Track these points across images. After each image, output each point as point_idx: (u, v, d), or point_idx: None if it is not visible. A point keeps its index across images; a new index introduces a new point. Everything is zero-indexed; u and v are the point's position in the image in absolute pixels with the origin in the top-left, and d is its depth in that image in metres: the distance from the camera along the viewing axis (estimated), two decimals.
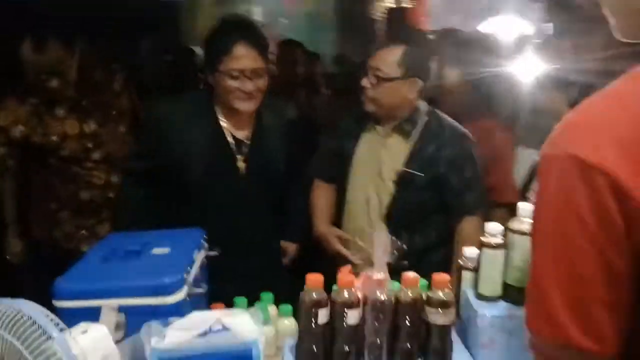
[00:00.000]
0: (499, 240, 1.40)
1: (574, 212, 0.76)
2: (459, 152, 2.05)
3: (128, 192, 2.19)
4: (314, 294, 1.35)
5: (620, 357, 0.78)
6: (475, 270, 1.48)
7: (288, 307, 1.56)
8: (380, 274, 1.35)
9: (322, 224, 2.18)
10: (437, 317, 1.36)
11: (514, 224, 1.39)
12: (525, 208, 1.38)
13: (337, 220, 2.22)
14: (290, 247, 2.29)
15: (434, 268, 1.98)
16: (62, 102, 2.44)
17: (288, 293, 1.52)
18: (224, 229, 1.93)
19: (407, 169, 2.04)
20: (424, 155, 2.04)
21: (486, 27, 8.13)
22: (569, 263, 0.78)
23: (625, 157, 0.73)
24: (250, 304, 1.54)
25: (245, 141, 2.11)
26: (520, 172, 2.34)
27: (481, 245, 1.43)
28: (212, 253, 1.70)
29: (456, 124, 2.13)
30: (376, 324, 1.35)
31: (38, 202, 2.62)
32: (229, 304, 1.53)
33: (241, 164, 2.10)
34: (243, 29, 2.04)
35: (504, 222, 2.08)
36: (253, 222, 2.14)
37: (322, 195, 2.26)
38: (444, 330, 1.37)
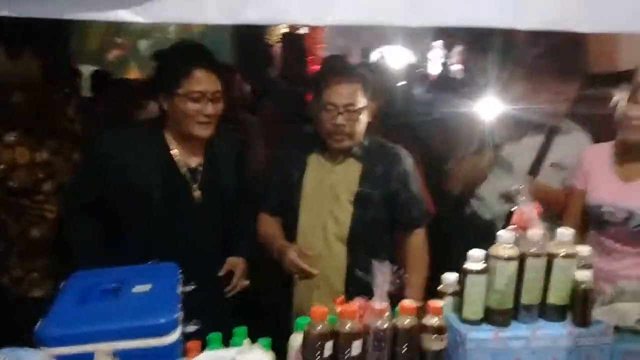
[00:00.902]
0: (481, 265, 1.50)
1: None
2: (404, 169, 2.19)
3: (78, 228, 2.05)
4: (320, 326, 1.36)
5: None
6: (458, 294, 1.57)
7: (267, 340, 1.55)
8: (381, 303, 1.39)
9: (280, 239, 2.17)
10: (432, 343, 1.43)
11: (495, 250, 1.50)
12: (505, 235, 1.50)
13: None
14: (238, 265, 2.18)
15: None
16: (13, 125, 2.22)
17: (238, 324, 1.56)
18: (182, 260, 1.87)
19: (363, 189, 2.13)
20: (376, 175, 2.15)
21: (376, 56, 8.57)
22: None
23: None
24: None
25: (198, 169, 2.08)
26: None
27: (465, 271, 1.52)
28: (189, 288, 1.65)
29: (391, 143, 2.27)
30: (377, 353, 1.39)
31: None
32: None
33: (196, 193, 2.06)
34: (200, 53, 2.04)
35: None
36: (210, 251, 2.10)
37: (272, 223, 2.25)
38: (439, 355, 1.44)
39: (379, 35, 9.01)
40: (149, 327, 1.34)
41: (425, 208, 2.25)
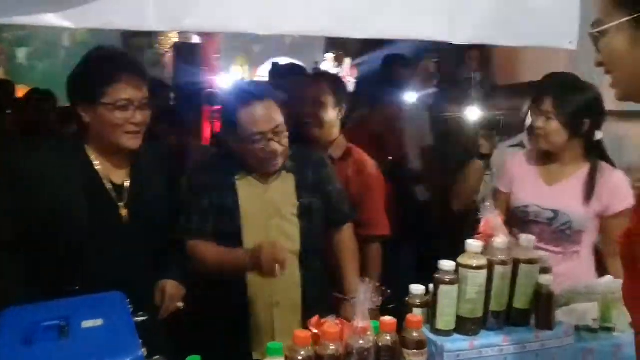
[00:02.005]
0: (452, 276, 1.50)
1: None
2: (328, 170, 2.20)
3: None
4: (303, 352, 1.28)
5: None
6: (426, 305, 1.55)
7: None
8: (362, 321, 1.34)
9: (238, 251, 2.00)
10: (413, 358, 1.39)
11: (465, 260, 1.50)
12: (474, 244, 1.50)
13: None
14: (166, 287, 1.98)
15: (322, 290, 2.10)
16: None
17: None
18: (110, 287, 1.70)
19: (304, 200, 2.07)
20: (309, 182, 2.11)
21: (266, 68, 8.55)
22: None
23: None
24: None
25: (125, 185, 1.92)
26: None
27: (436, 282, 1.50)
28: (141, 318, 1.49)
29: (305, 147, 2.26)
30: None
31: None
32: None
33: (123, 211, 1.89)
34: (123, 59, 1.88)
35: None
36: (141, 276, 1.92)
37: (214, 246, 2.05)
38: None
39: (268, 46, 9.04)
40: None
41: (351, 204, 2.27)
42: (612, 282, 1.66)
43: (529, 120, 2.44)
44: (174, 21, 1.65)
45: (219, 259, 1.99)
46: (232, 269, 1.98)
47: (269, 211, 2.05)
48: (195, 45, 7.53)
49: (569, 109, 2.14)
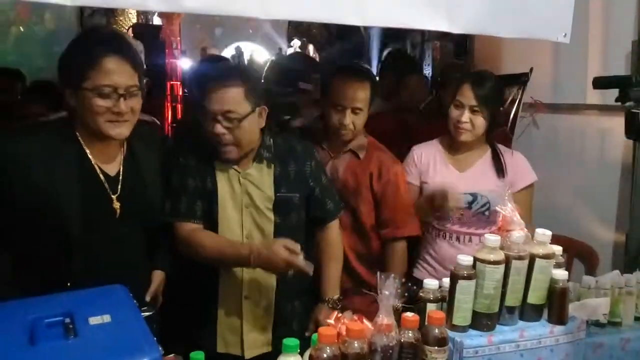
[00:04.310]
0: (470, 271, 1.46)
1: None
2: (314, 164, 2.08)
3: None
4: (328, 349, 1.22)
5: None
6: (439, 301, 1.52)
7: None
8: (387, 318, 1.29)
9: (243, 244, 1.92)
10: (435, 355, 1.36)
11: (483, 254, 1.48)
12: (492, 239, 1.48)
13: None
14: (157, 276, 1.95)
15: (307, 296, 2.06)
16: None
17: None
18: (102, 281, 1.60)
19: (281, 193, 1.98)
20: (289, 175, 2.02)
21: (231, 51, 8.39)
22: None
23: None
24: None
25: (117, 176, 1.80)
26: None
27: (454, 277, 1.47)
28: (147, 313, 1.41)
29: (293, 137, 2.18)
30: None
31: None
32: None
33: (117, 205, 1.78)
34: (112, 41, 1.73)
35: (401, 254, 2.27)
36: (132, 270, 1.82)
37: (207, 232, 1.96)
38: None
39: (231, 31, 8.86)
40: None
41: (338, 197, 2.16)
42: (619, 277, 1.67)
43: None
44: (175, 2, 1.55)
45: (219, 249, 1.90)
46: (232, 260, 1.90)
47: (244, 201, 1.96)
48: (155, 27, 7.27)
49: (491, 102, 2.27)
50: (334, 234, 2.14)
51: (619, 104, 2.80)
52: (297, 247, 1.80)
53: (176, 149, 2.03)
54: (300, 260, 1.79)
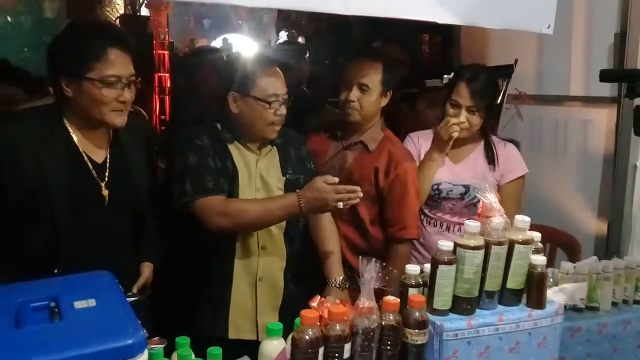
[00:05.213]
0: (451, 256, 1.49)
1: None
2: (306, 148, 2.17)
3: None
4: (310, 331, 1.25)
5: None
6: (420, 286, 1.54)
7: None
8: (368, 301, 1.32)
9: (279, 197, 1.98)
10: (415, 337, 1.39)
11: (463, 240, 1.51)
12: (472, 225, 1.51)
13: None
14: (146, 268, 1.97)
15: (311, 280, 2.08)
16: None
17: None
18: (90, 268, 1.62)
19: (289, 176, 2.04)
20: (292, 159, 2.09)
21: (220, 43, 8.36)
22: None
23: None
24: None
25: (105, 164, 1.82)
26: None
27: (435, 262, 1.50)
28: (133, 298, 1.43)
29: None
30: (367, 354, 1.32)
31: None
32: None
33: (105, 192, 1.80)
34: (114, 33, 1.79)
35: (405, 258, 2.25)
36: (120, 257, 1.84)
37: (246, 199, 1.97)
38: (421, 349, 1.41)
39: (219, 22, 8.84)
40: (116, 350, 1.12)
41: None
42: (596, 263, 1.71)
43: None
44: None
45: (265, 207, 1.90)
46: (281, 214, 1.91)
47: (258, 182, 2.01)
48: (143, 17, 7.25)
49: (487, 99, 2.31)
50: (327, 219, 2.17)
51: (603, 95, 2.85)
52: (335, 179, 1.83)
53: (190, 133, 2.04)
54: (343, 187, 1.82)
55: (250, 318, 2.01)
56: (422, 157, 2.41)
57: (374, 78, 2.22)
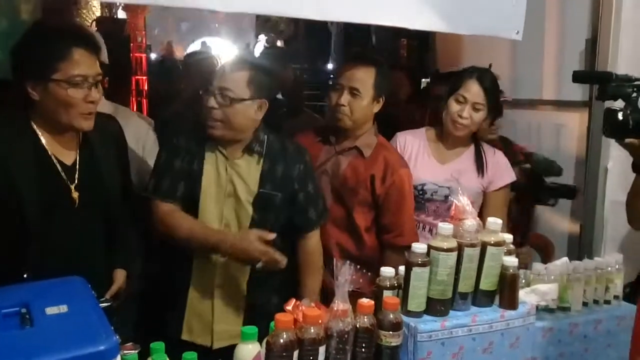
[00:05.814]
0: (424, 258, 1.51)
1: None
2: (303, 168, 2.07)
3: None
4: (285, 335, 1.25)
5: None
6: (395, 288, 1.56)
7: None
8: (342, 304, 1.33)
9: (216, 230, 1.95)
10: (389, 339, 1.40)
11: (436, 242, 1.52)
12: (445, 227, 1.52)
13: None
14: (119, 275, 1.97)
15: (279, 291, 2.02)
16: None
17: None
18: (60, 272, 1.61)
19: (264, 190, 1.99)
20: (276, 175, 2.02)
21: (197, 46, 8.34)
22: None
23: None
24: None
25: (74, 166, 1.81)
26: None
27: (409, 264, 1.51)
28: (106, 304, 1.41)
29: (288, 139, 2.17)
30: (341, 357, 1.33)
31: None
32: None
33: (75, 194, 1.79)
34: (78, 33, 1.80)
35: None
36: (91, 261, 1.83)
37: (182, 214, 1.97)
38: (395, 350, 1.42)
39: (196, 26, 8.81)
40: (90, 355, 1.11)
41: (322, 207, 2.14)
42: (567, 264, 1.74)
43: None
44: None
45: (193, 232, 1.91)
46: (204, 246, 1.91)
47: (227, 190, 1.99)
48: (119, 20, 7.21)
49: (493, 99, 2.32)
50: (313, 243, 2.11)
51: (574, 99, 2.90)
52: (271, 236, 1.83)
53: (169, 129, 2.04)
54: (273, 251, 1.82)
55: (205, 323, 2.00)
56: (405, 155, 2.39)
57: (366, 82, 2.18)
